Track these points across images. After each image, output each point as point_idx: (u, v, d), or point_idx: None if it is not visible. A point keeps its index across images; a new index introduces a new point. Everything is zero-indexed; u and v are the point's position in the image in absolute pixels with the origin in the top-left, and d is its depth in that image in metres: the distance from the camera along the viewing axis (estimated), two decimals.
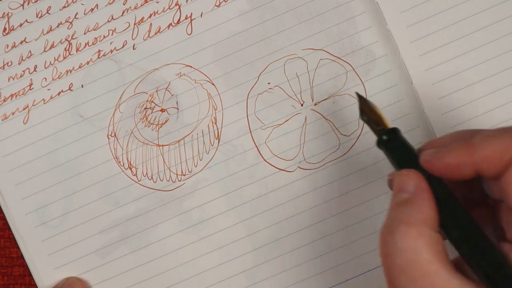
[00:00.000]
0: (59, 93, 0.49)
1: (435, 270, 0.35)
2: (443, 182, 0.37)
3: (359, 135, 0.48)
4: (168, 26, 0.49)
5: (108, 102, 0.49)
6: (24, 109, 0.49)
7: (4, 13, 0.49)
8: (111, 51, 0.49)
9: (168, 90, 0.49)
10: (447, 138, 0.39)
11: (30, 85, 0.49)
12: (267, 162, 0.49)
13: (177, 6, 0.49)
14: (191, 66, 0.49)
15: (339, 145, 0.48)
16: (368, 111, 0.42)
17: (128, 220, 0.49)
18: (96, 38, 0.49)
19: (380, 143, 0.40)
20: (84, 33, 0.49)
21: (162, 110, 0.49)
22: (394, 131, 0.40)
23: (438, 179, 0.37)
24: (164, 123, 0.49)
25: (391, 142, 0.40)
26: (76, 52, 0.49)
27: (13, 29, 0.49)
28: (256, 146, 0.49)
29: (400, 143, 0.39)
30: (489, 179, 0.36)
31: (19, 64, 0.49)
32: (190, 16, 0.49)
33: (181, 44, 0.49)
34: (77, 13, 0.49)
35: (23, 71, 0.49)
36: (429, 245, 0.35)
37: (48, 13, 0.49)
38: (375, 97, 0.48)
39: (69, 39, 0.49)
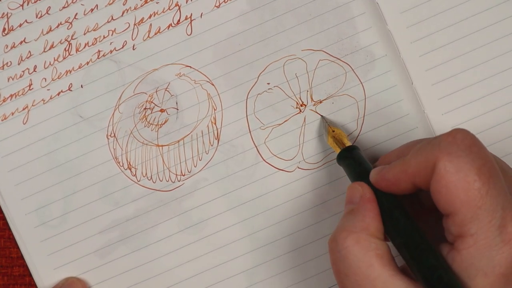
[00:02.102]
0: (58, 94, 0.49)
1: (376, 274, 0.37)
2: (390, 194, 0.40)
3: (358, 135, 0.48)
4: (168, 27, 0.49)
5: (108, 102, 0.49)
6: (23, 109, 0.49)
7: (3, 13, 0.49)
8: (111, 51, 0.49)
9: (168, 91, 0.49)
10: (395, 152, 0.42)
11: (30, 85, 0.49)
12: (267, 162, 0.49)
13: (177, 7, 0.49)
14: (190, 67, 0.49)
15: None
16: (331, 132, 0.46)
17: (127, 220, 0.49)
18: (96, 39, 0.49)
19: (338, 159, 0.45)
20: (84, 34, 0.49)
21: (162, 111, 0.49)
22: (352, 149, 0.45)
23: (386, 192, 0.40)
24: (164, 124, 0.49)
25: (349, 159, 0.44)
26: (76, 52, 0.49)
27: (12, 29, 0.49)
28: (256, 146, 0.49)
29: (356, 160, 0.44)
30: (427, 189, 0.38)
31: (18, 64, 0.49)
32: (190, 17, 0.49)
33: (180, 44, 0.49)
34: (76, 14, 0.49)
35: (23, 71, 0.49)
36: (369, 250, 0.37)
37: (48, 14, 0.49)
38: (375, 98, 0.48)
39: (68, 40, 0.49)
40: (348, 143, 0.45)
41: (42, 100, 0.49)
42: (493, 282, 0.35)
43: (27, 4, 0.49)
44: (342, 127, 0.48)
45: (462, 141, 0.36)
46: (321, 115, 0.48)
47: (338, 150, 0.45)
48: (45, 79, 0.49)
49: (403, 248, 0.38)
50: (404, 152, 0.40)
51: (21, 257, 0.49)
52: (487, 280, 0.35)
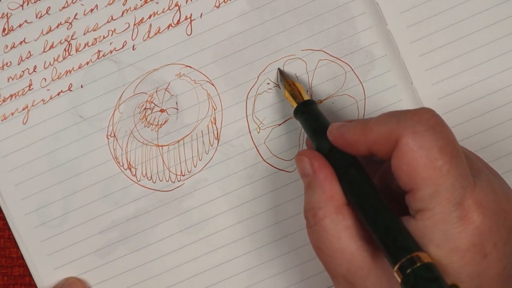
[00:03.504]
0: (58, 94, 0.49)
1: (345, 246, 0.38)
2: (346, 153, 0.40)
3: None
4: (168, 27, 0.49)
5: (108, 102, 0.49)
6: (23, 109, 0.49)
7: (3, 13, 0.49)
8: (111, 51, 0.49)
9: (168, 91, 0.49)
10: (360, 119, 0.43)
11: (30, 85, 0.49)
12: (267, 162, 0.49)
13: (177, 7, 0.49)
14: (190, 67, 0.49)
15: None
16: (287, 86, 0.46)
17: (127, 221, 0.49)
18: (95, 39, 0.49)
19: (295, 114, 0.45)
20: (84, 34, 0.49)
21: (162, 111, 0.49)
22: (310, 103, 0.44)
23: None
24: (164, 124, 0.49)
25: (306, 114, 0.44)
26: (76, 52, 0.49)
27: (12, 30, 0.49)
28: (256, 146, 0.49)
29: (313, 115, 0.43)
30: (382, 159, 0.38)
31: (18, 64, 0.49)
32: (190, 17, 0.49)
33: (180, 44, 0.49)
34: (76, 14, 0.49)
35: (23, 71, 0.49)
36: (336, 222, 0.38)
37: (48, 14, 0.49)
38: (374, 98, 0.48)
39: (68, 40, 0.49)
40: (306, 97, 0.45)
41: (42, 100, 0.49)
42: (446, 254, 0.35)
43: (27, 4, 0.49)
44: (299, 78, 0.48)
45: (428, 120, 0.37)
46: (278, 68, 0.48)
47: (295, 105, 0.45)
48: (45, 79, 0.49)
49: (359, 209, 0.38)
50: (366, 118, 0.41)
51: (21, 257, 0.49)
52: (439, 251, 0.35)
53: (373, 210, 0.37)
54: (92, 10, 0.49)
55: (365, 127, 0.38)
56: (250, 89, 0.49)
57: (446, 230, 0.35)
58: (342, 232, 0.38)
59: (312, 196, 0.39)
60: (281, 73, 0.48)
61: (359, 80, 0.48)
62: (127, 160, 0.49)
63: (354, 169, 0.39)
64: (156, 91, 0.49)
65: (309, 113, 0.44)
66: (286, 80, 0.46)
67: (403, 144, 0.36)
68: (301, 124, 0.45)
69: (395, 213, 0.37)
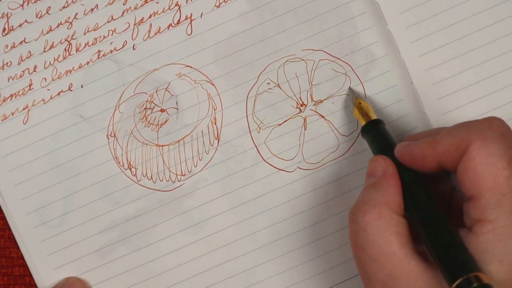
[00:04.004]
0: (59, 93, 0.49)
1: (393, 250, 0.37)
2: (414, 171, 0.40)
3: (358, 135, 0.48)
4: (168, 27, 0.49)
5: (108, 102, 0.49)
6: (23, 109, 0.49)
7: (3, 13, 0.49)
8: (111, 51, 0.49)
9: (168, 90, 0.49)
10: (422, 133, 0.43)
11: (30, 85, 0.49)
12: (267, 162, 0.49)
13: (177, 7, 0.49)
14: (191, 67, 0.49)
15: (338, 145, 0.48)
16: (358, 105, 0.46)
17: (127, 220, 0.49)
18: (96, 39, 0.49)
19: (363, 132, 0.45)
20: (84, 34, 0.49)
21: (162, 110, 0.49)
22: (377, 122, 0.45)
23: (411, 168, 0.40)
24: (164, 123, 0.49)
25: (373, 132, 0.44)
26: (76, 52, 0.49)
27: (12, 29, 0.49)
28: (256, 146, 0.49)
29: (380, 134, 0.44)
30: (452, 171, 0.38)
31: (18, 64, 0.49)
32: (190, 17, 0.49)
33: (181, 44, 0.49)
34: (77, 14, 0.49)
35: (23, 71, 0.49)
36: (389, 226, 0.37)
37: (48, 13, 0.49)
38: (374, 98, 0.48)
39: (69, 39, 0.49)
40: (374, 116, 0.45)
41: (42, 100, 0.49)
42: (508, 270, 0.35)
43: (27, 4, 0.49)
44: (368, 98, 0.48)
45: (498, 128, 0.37)
46: (350, 87, 0.48)
47: (363, 123, 0.46)
48: (45, 79, 0.49)
49: (420, 224, 0.38)
50: (431, 134, 0.41)
51: (21, 257, 0.49)
52: (502, 267, 0.35)
53: (434, 226, 0.37)
54: (92, 9, 0.49)
55: (433, 140, 0.38)
56: (250, 89, 0.49)
57: (509, 244, 0.35)
58: (393, 237, 0.37)
59: (371, 195, 0.39)
60: (352, 91, 0.48)
61: (360, 80, 0.48)
62: (127, 160, 0.49)
63: (419, 186, 0.40)
64: (156, 91, 0.49)
65: (377, 131, 0.45)
66: (356, 99, 0.47)
67: (472, 150, 0.36)
68: (368, 142, 0.45)
69: (456, 231, 0.37)
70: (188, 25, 0.49)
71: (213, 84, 0.49)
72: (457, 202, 0.41)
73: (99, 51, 0.49)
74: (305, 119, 0.48)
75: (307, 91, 0.48)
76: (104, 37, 0.49)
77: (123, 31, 0.49)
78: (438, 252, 0.36)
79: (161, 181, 0.49)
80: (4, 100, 0.49)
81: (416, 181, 0.40)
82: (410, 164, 0.40)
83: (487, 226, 0.35)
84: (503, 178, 0.35)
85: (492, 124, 0.37)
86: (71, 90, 0.49)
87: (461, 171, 0.37)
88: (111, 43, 0.49)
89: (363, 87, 0.48)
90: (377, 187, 0.39)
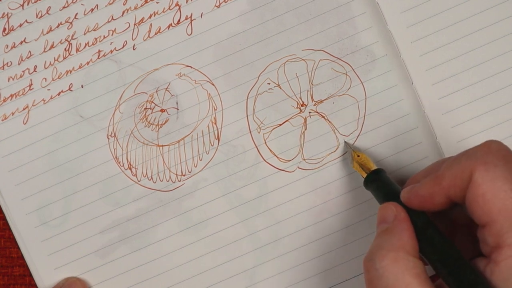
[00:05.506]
0: (59, 93, 0.49)
1: None
2: (422, 213, 0.40)
3: (358, 135, 0.48)
4: (168, 27, 0.49)
5: (108, 102, 0.49)
6: (24, 109, 0.49)
7: (3, 13, 0.49)
8: (111, 51, 0.49)
9: (168, 91, 0.49)
10: (421, 173, 0.42)
11: (30, 85, 0.49)
12: (267, 162, 0.49)
13: (177, 7, 0.49)
14: (191, 67, 0.49)
15: (338, 145, 0.48)
16: (356, 157, 0.46)
17: (128, 221, 0.49)
18: (96, 39, 0.49)
19: (366, 184, 0.45)
20: (84, 34, 0.49)
21: (162, 111, 0.49)
22: (378, 172, 0.45)
23: (418, 211, 0.40)
24: (164, 124, 0.49)
25: (376, 182, 0.45)
26: (76, 52, 0.49)
27: (13, 29, 0.49)
28: (256, 146, 0.49)
29: (383, 182, 0.44)
30: (462, 203, 0.38)
31: (19, 64, 0.49)
32: (190, 17, 0.49)
33: (181, 44, 0.49)
34: (77, 14, 0.49)
35: (23, 71, 0.49)
36: (407, 269, 0.37)
37: (48, 13, 0.49)
38: (375, 97, 0.48)
39: (69, 40, 0.49)
40: (373, 167, 0.46)
41: (43, 100, 0.49)
42: None
43: (27, 4, 0.49)
44: (366, 151, 0.48)
45: (498, 151, 0.37)
46: (345, 141, 0.48)
47: (364, 175, 0.46)
48: (45, 79, 0.49)
49: (440, 265, 0.38)
50: (431, 171, 0.41)
51: (21, 257, 0.49)
52: None
53: (455, 265, 0.37)
54: (92, 9, 0.49)
55: (436, 176, 0.38)
56: (251, 89, 0.49)
57: None
58: (413, 279, 0.37)
59: (386, 240, 0.39)
60: (349, 145, 0.48)
61: (360, 80, 0.48)
62: (127, 160, 0.49)
63: (431, 228, 0.40)
64: (157, 91, 0.49)
65: (380, 181, 0.45)
66: (354, 152, 0.47)
67: (476, 177, 0.36)
68: (372, 192, 0.45)
69: (475, 263, 0.37)
70: (188, 25, 0.49)
71: (213, 84, 0.49)
72: (471, 228, 0.41)
73: (99, 51, 0.49)
74: (305, 119, 0.49)
75: (308, 91, 0.48)
76: (104, 37, 0.49)
77: (123, 31, 0.49)
78: None
79: (161, 181, 0.49)
80: (4, 100, 0.49)
81: (427, 223, 0.40)
82: (418, 206, 0.40)
83: (506, 251, 0.35)
84: None
85: (491, 148, 0.37)
86: (71, 90, 0.49)
87: (470, 200, 0.36)
88: (111, 43, 0.49)
89: (363, 87, 0.48)
90: (390, 233, 0.39)
